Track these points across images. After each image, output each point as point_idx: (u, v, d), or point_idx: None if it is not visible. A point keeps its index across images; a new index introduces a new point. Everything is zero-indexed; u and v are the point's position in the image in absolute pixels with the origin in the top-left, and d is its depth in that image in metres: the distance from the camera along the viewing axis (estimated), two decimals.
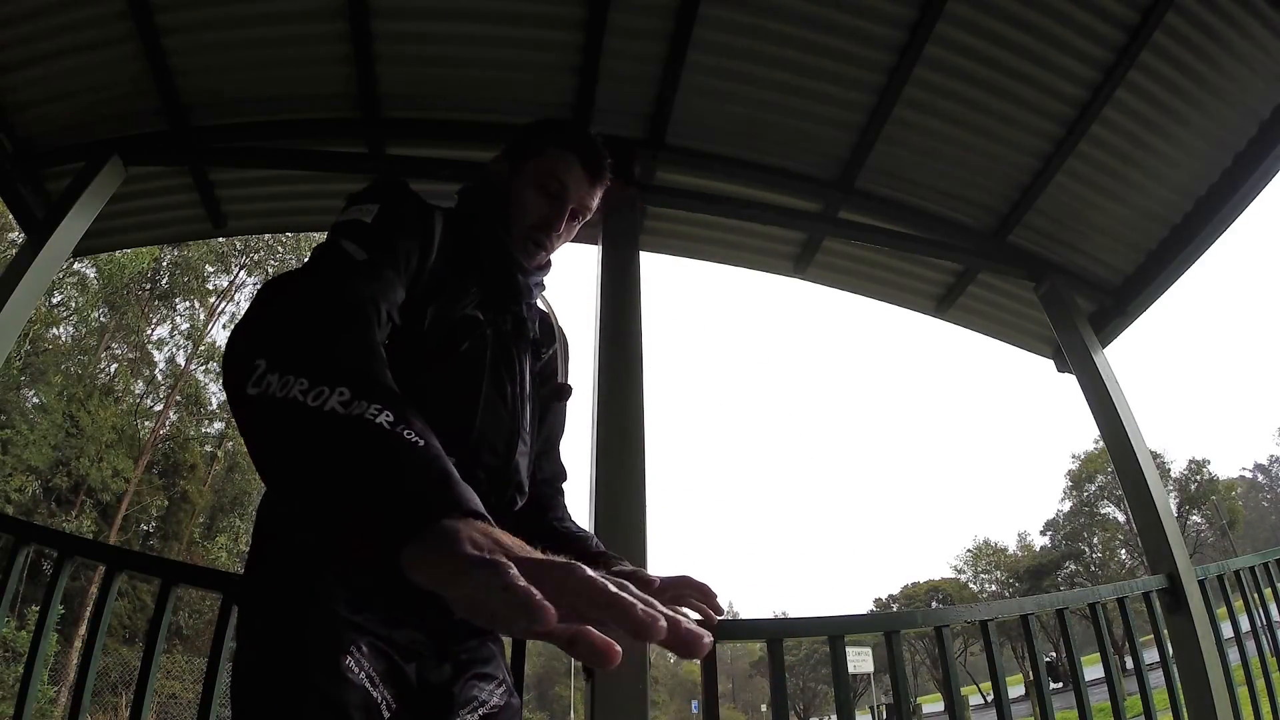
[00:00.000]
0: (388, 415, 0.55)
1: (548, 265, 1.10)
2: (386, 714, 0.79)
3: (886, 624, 1.98)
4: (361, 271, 0.78)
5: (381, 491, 0.51)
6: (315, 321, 0.65)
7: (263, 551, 0.86)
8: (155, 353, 24.07)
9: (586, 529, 1.18)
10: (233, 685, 0.78)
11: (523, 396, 1.01)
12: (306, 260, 0.81)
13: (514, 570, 0.43)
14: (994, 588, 37.76)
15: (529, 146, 1.08)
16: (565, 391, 1.15)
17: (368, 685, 0.77)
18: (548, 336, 1.15)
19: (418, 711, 0.84)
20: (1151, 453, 2.86)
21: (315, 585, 0.79)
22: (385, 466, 0.52)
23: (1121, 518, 31.53)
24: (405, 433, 0.54)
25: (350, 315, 0.69)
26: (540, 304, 1.15)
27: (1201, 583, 2.42)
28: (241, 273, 25.03)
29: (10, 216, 4.79)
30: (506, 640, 1.29)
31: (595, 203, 1.10)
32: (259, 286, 0.72)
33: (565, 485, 1.22)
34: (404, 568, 0.47)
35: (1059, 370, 3.38)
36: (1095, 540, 33.95)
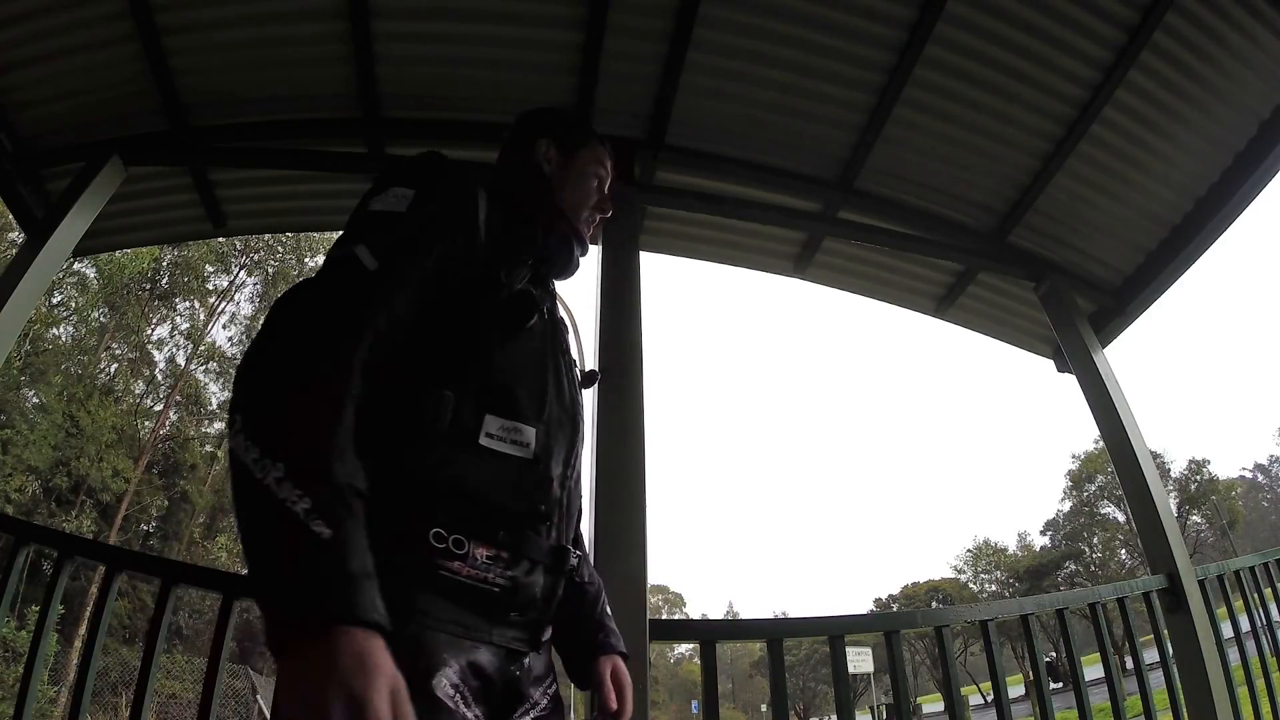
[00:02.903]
0: (304, 504, 0.60)
1: (587, 248, 1.16)
2: None
3: (886, 624, 1.99)
4: (364, 289, 0.77)
5: (272, 579, 0.58)
6: (289, 380, 0.68)
7: None
8: (155, 353, 24.07)
9: (598, 579, 1.15)
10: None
11: (573, 379, 1.02)
12: (323, 267, 0.81)
13: None
14: (994, 588, 37.74)
15: (578, 136, 1.15)
16: (592, 378, 1.15)
17: (462, 708, 0.74)
18: (571, 326, 1.18)
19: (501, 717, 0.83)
20: (1151, 453, 2.86)
21: (409, 600, 0.74)
22: (281, 556, 0.58)
23: (1121, 518, 31.51)
24: (314, 525, 0.59)
25: (330, 368, 0.70)
26: (559, 302, 1.18)
27: (1201, 583, 2.42)
28: (241, 273, 25.02)
29: (10, 216, 4.80)
30: None
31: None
32: (278, 297, 0.76)
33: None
34: (275, 653, 0.56)
35: (1059, 370, 3.38)
36: (1095, 540, 33.94)
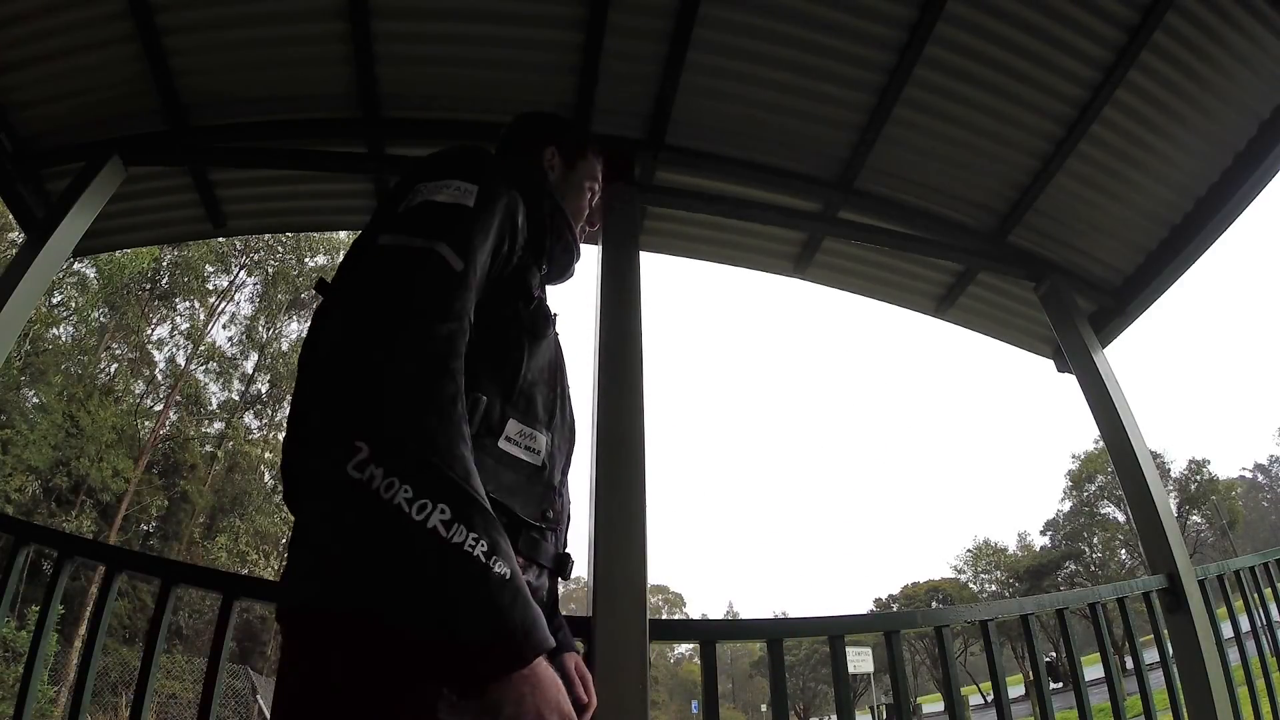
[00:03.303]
0: (483, 546, 0.61)
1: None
2: None
3: (886, 624, 1.99)
4: (460, 293, 0.74)
5: (471, 628, 0.60)
6: (424, 404, 0.65)
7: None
8: (155, 353, 24.07)
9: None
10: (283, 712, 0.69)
11: (569, 390, 1.04)
12: (394, 257, 0.75)
13: None
14: (994, 588, 37.74)
15: (580, 145, 1.18)
16: None
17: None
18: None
19: None
20: (1151, 453, 2.86)
21: None
22: (479, 606, 0.60)
23: (1121, 518, 31.51)
24: (496, 566, 0.62)
25: (445, 378, 0.68)
26: None
27: (1201, 583, 2.42)
28: (241, 273, 25.02)
29: (10, 216, 4.79)
30: None
31: None
32: (338, 310, 0.72)
33: None
34: (481, 694, 0.61)
35: (1059, 370, 3.38)
36: (1095, 540, 33.93)
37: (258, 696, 15.74)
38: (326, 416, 0.66)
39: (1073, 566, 34.04)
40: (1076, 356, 2.90)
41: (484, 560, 0.61)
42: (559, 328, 1.05)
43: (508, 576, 0.62)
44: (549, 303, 0.98)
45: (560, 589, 1.04)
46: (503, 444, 0.83)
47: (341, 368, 0.68)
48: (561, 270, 1.10)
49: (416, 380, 0.67)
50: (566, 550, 0.95)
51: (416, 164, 0.88)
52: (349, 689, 0.63)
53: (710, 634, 1.76)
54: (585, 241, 1.18)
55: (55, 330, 20.96)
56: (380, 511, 0.60)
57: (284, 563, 0.77)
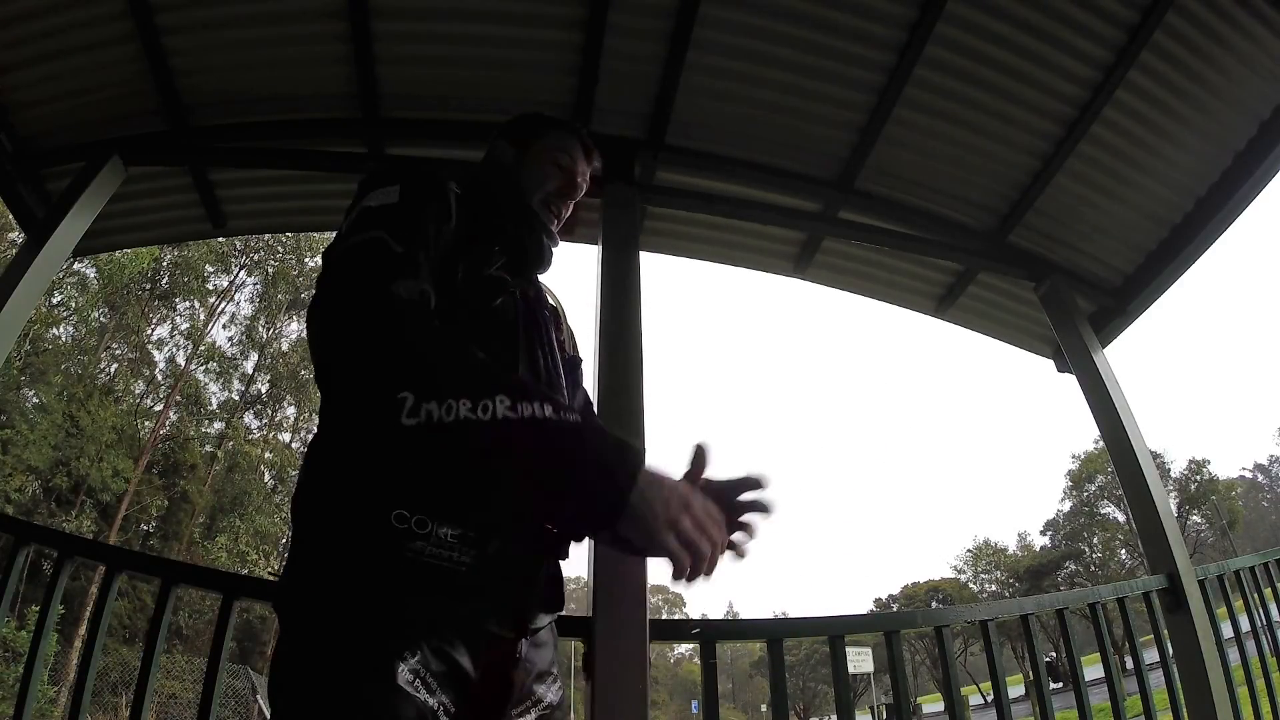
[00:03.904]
0: (547, 407, 0.68)
1: (556, 238, 1.16)
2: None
3: (886, 624, 1.99)
4: (406, 268, 0.80)
5: (582, 477, 0.67)
6: (425, 343, 0.71)
7: (313, 548, 0.80)
8: (155, 353, 24.08)
9: None
10: (270, 692, 0.75)
11: (553, 359, 1.03)
12: (342, 256, 0.81)
13: (704, 553, 0.71)
14: (994, 588, 37.73)
15: (532, 128, 1.18)
16: (577, 363, 1.18)
17: (424, 695, 0.72)
18: (562, 315, 1.19)
19: (477, 709, 0.80)
20: (1151, 453, 2.85)
21: (369, 585, 0.75)
22: (575, 454, 0.68)
23: (1121, 518, 31.50)
24: (567, 416, 0.69)
25: (425, 316, 0.75)
26: (549, 294, 1.18)
27: (1201, 583, 2.41)
28: (241, 273, 25.02)
29: (10, 216, 4.79)
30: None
31: (589, 181, 1.21)
32: (314, 312, 0.76)
33: None
34: (618, 532, 0.68)
35: (1059, 370, 3.38)
36: (1095, 540, 33.92)
37: (258, 696, 15.73)
38: (353, 397, 0.72)
39: (1073, 566, 34.03)
40: (1076, 356, 2.90)
41: (556, 420, 0.68)
42: (537, 304, 1.04)
43: (577, 421, 0.69)
44: (509, 280, 0.97)
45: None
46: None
47: (340, 352, 0.72)
48: (534, 252, 1.08)
49: (402, 325, 0.72)
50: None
51: (355, 192, 0.95)
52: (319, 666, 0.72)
53: (710, 634, 1.76)
54: (567, 210, 1.17)
55: (55, 330, 20.97)
56: (452, 432, 0.66)
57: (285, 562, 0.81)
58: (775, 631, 1.82)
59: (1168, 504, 2.60)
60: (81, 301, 20.80)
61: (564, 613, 1.00)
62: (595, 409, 1.27)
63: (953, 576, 39.63)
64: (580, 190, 1.18)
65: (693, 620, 1.95)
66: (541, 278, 1.16)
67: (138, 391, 23.40)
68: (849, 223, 2.96)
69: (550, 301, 1.16)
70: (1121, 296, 3.06)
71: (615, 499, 0.67)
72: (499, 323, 0.94)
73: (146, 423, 22.71)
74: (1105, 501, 33.66)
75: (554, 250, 1.13)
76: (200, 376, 24.47)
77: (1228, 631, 2.43)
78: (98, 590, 1.75)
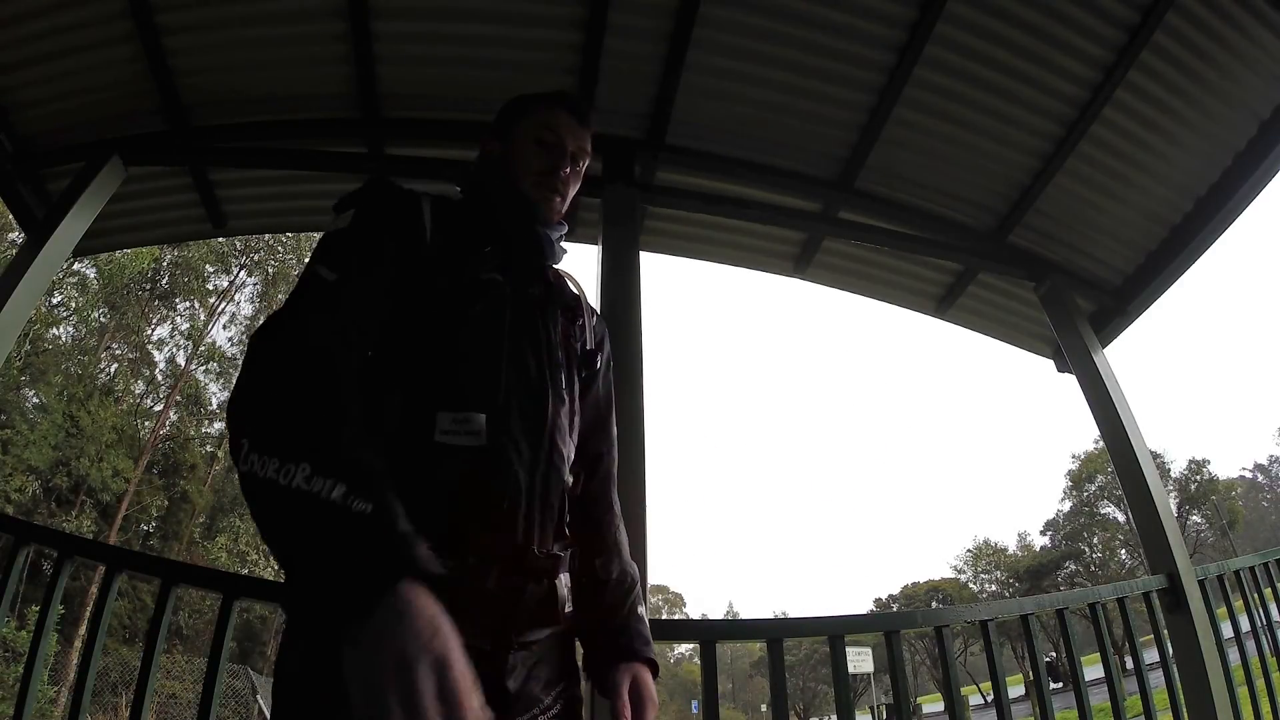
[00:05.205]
0: (340, 489, 0.61)
1: (563, 224, 1.12)
2: None
3: (886, 624, 1.98)
4: (330, 300, 0.81)
5: (324, 567, 0.59)
6: (285, 392, 0.71)
7: None
8: (155, 353, 24.06)
9: (632, 574, 1.08)
10: (273, 690, 0.77)
11: (552, 359, 0.99)
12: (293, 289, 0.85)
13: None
14: (994, 588, 37.73)
15: (512, 115, 1.14)
16: (593, 356, 1.12)
17: None
18: (582, 307, 1.13)
19: None
20: (1151, 453, 2.85)
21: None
22: (330, 542, 0.59)
23: (1121, 518, 31.49)
24: (355, 505, 0.60)
25: (318, 372, 0.73)
26: (570, 285, 1.15)
27: (1201, 583, 2.41)
28: (241, 273, 25.01)
29: (10, 216, 4.80)
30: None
31: (589, 145, 1.14)
32: (252, 334, 0.78)
33: (615, 502, 1.15)
34: (344, 643, 0.56)
35: (1059, 370, 3.38)
36: (1095, 540, 33.92)
37: (258, 696, 15.73)
38: (228, 428, 0.72)
39: (1073, 566, 34.02)
40: (1076, 356, 2.90)
41: (339, 503, 0.61)
42: (535, 295, 1.01)
43: (367, 512, 0.60)
44: (499, 280, 0.95)
45: (561, 588, 0.92)
46: (440, 438, 0.85)
47: (235, 385, 0.74)
48: (532, 243, 1.04)
49: (282, 373, 0.72)
50: (539, 541, 0.88)
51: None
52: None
53: (710, 634, 1.76)
54: (569, 187, 1.11)
55: (55, 330, 20.96)
56: (262, 489, 0.64)
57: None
58: (775, 631, 1.81)
59: (1168, 504, 2.60)
60: (81, 302, 20.78)
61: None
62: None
63: (953, 576, 39.65)
64: (570, 159, 1.09)
65: (693, 620, 1.94)
66: (561, 266, 1.13)
67: (138, 391, 23.38)
68: (849, 223, 2.96)
69: (572, 291, 1.12)
70: (1121, 296, 3.06)
71: (339, 614, 0.57)
72: (481, 329, 0.92)
73: (146, 423, 22.70)
74: (1105, 501, 33.65)
75: (556, 236, 1.08)
76: (200, 376, 24.45)
77: (1228, 631, 2.43)
78: (98, 590, 1.75)
